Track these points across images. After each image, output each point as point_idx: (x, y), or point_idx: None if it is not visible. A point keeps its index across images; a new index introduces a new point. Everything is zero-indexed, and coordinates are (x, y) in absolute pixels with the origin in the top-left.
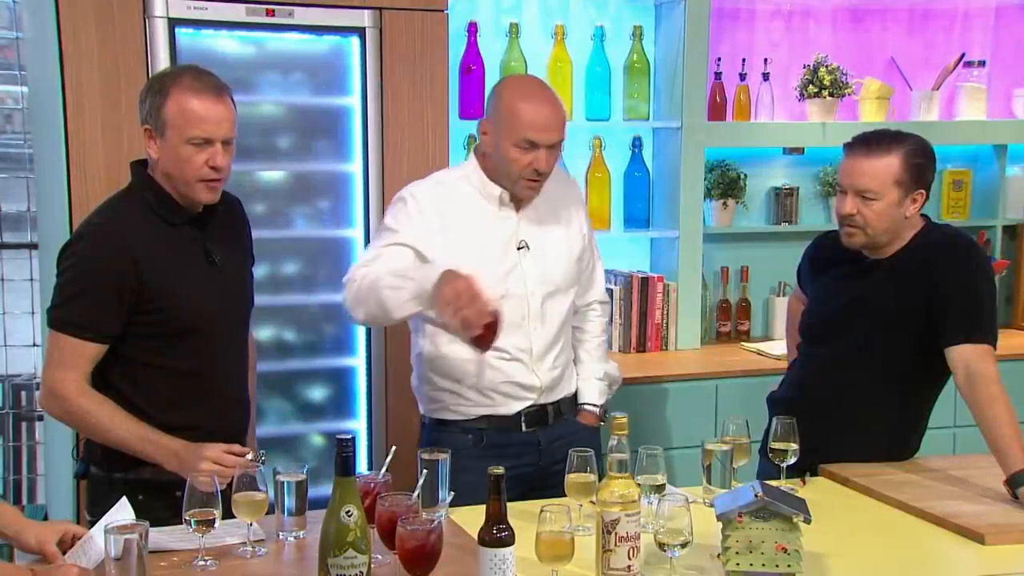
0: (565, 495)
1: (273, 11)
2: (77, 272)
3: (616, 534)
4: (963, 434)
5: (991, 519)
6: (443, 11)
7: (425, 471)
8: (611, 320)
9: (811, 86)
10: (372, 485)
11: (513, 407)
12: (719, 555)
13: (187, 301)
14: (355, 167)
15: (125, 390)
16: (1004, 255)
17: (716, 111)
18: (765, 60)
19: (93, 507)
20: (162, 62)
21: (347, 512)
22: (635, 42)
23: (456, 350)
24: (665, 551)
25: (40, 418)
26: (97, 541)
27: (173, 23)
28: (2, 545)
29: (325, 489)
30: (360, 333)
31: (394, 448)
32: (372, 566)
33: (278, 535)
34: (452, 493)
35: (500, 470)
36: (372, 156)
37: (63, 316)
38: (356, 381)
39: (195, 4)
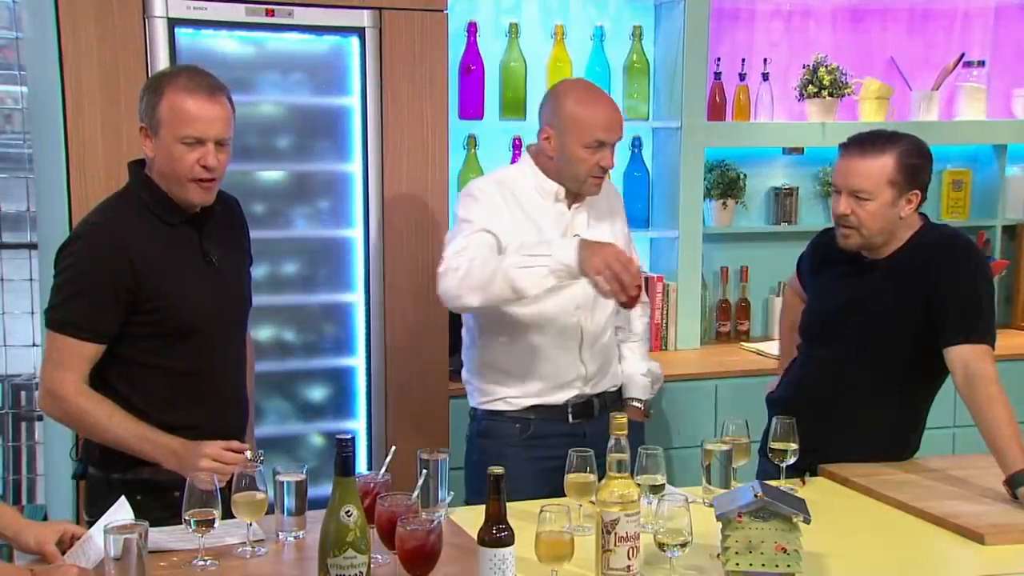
0: None
1: (273, 11)
2: (74, 272)
3: (616, 534)
4: (962, 434)
5: (991, 519)
6: (443, 11)
7: (425, 471)
8: None
9: (811, 86)
10: (372, 485)
11: (560, 396)
12: (719, 555)
13: (184, 301)
14: (355, 167)
15: (123, 390)
16: (1004, 255)
17: (716, 111)
18: (765, 60)
19: (91, 507)
20: (162, 62)
21: (347, 512)
22: (635, 42)
23: (508, 340)
24: (665, 551)
25: (40, 418)
26: (96, 541)
27: (173, 23)
28: (1, 546)
29: (325, 489)
30: (360, 333)
31: (394, 448)
32: (372, 566)
33: (278, 535)
34: (452, 493)
35: (499, 470)
36: (372, 156)
37: (60, 317)
38: (356, 381)
39: (195, 4)
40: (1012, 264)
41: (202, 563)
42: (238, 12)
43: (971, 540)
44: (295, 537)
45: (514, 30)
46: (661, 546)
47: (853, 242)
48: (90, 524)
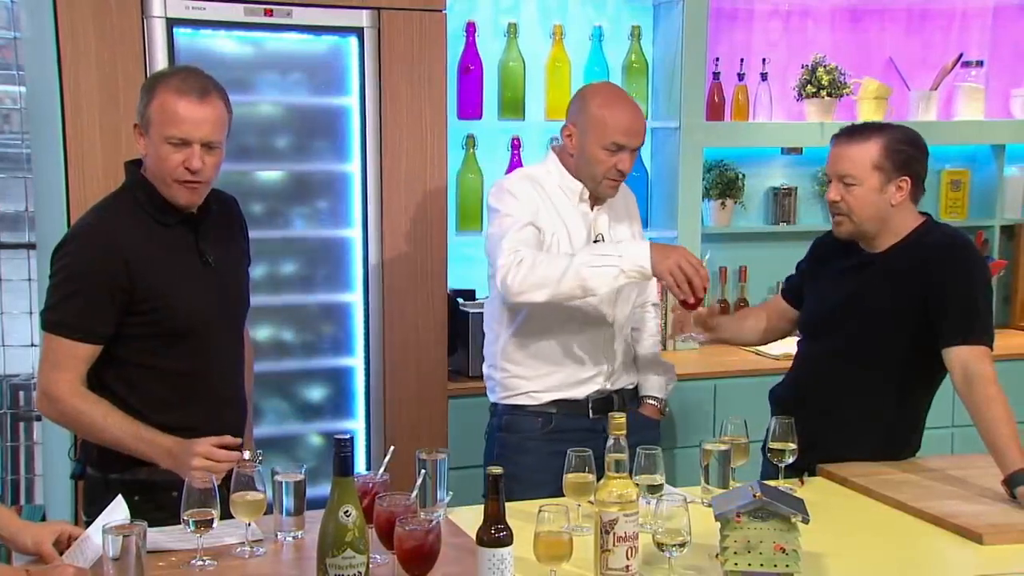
0: None
1: (271, 11)
2: (69, 273)
3: (614, 534)
4: (961, 434)
5: (989, 519)
6: (441, 11)
7: (423, 471)
8: None
9: (809, 86)
10: (370, 485)
11: (582, 391)
12: (717, 555)
13: (181, 302)
14: (353, 167)
15: (120, 391)
16: (1002, 255)
17: (714, 111)
18: (763, 60)
19: (90, 508)
20: (160, 62)
21: (345, 512)
22: (633, 42)
23: (536, 333)
24: (663, 551)
25: (38, 418)
26: (94, 540)
27: (171, 23)
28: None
29: (323, 489)
30: (359, 333)
31: (392, 448)
32: (370, 566)
33: (276, 535)
34: (451, 493)
35: (498, 470)
36: (370, 156)
37: (56, 318)
38: (354, 381)
39: (193, 4)
40: (1010, 264)
41: (200, 563)
42: (237, 12)
43: (969, 540)
44: (294, 537)
45: (513, 30)
46: (660, 546)
47: (845, 229)
48: (88, 524)
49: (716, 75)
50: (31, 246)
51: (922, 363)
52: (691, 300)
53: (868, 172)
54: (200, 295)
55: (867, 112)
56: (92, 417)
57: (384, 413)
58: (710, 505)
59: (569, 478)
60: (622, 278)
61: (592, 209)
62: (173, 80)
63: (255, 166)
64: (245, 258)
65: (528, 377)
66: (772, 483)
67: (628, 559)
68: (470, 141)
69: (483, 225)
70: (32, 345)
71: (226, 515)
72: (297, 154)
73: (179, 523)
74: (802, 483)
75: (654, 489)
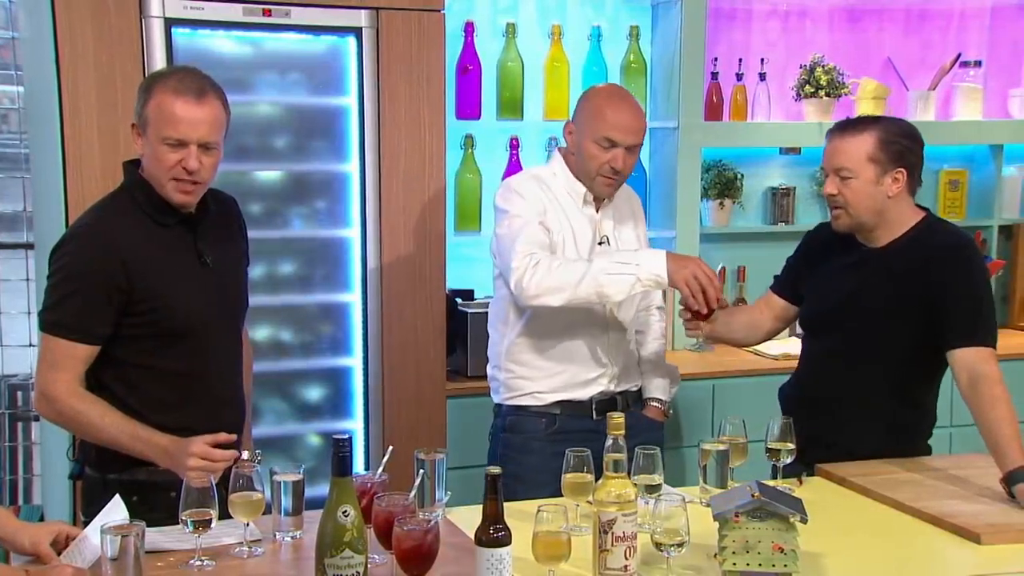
0: None
1: (270, 11)
2: (67, 274)
3: (613, 534)
4: (960, 434)
5: (987, 519)
6: (440, 11)
7: (422, 471)
8: None
9: (808, 86)
10: (369, 485)
11: (585, 392)
12: (716, 555)
13: (179, 302)
14: (352, 167)
15: (119, 392)
16: (1000, 255)
17: (713, 111)
18: (762, 60)
19: (88, 508)
20: (158, 62)
21: (344, 512)
22: (632, 42)
23: (540, 334)
24: (662, 551)
25: (36, 418)
26: (91, 540)
27: (169, 23)
28: None
29: (322, 489)
30: (357, 333)
31: (391, 448)
32: (369, 566)
33: (275, 535)
34: (449, 493)
35: (496, 470)
36: (369, 156)
37: (53, 318)
38: (353, 381)
39: (192, 4)
40: (1008, 264)
41: (199, 563)
42: (235, 12)
43: (968, 540)
44: (292, 537)
45: (511, 30)
46: (658, 546)
47: (843, 223)
48: (86, 525)
49: (714, 75)
50: (29, 246)
51: (923, 360)
52: (704, 311)
53: (863, 164)
54: (198, 295)
55: (865, 112)
56: (90, 417)
57: (383, 413)
58: (708, 505)
59: (568, 478)
60: (638, 286)
61: (597, 211)
62: (170, 80)
63: (253, 166)
64: (244, 258)
65: (532, 378)
66: (770, 483)
67: (626, 559)
68: (468, 141)
69: (481, 225)
70: (30, 345)
71: (224, 515)
72: (295, 154)
73: (177, 523)
74: (800, 483)
75: (652, 489)
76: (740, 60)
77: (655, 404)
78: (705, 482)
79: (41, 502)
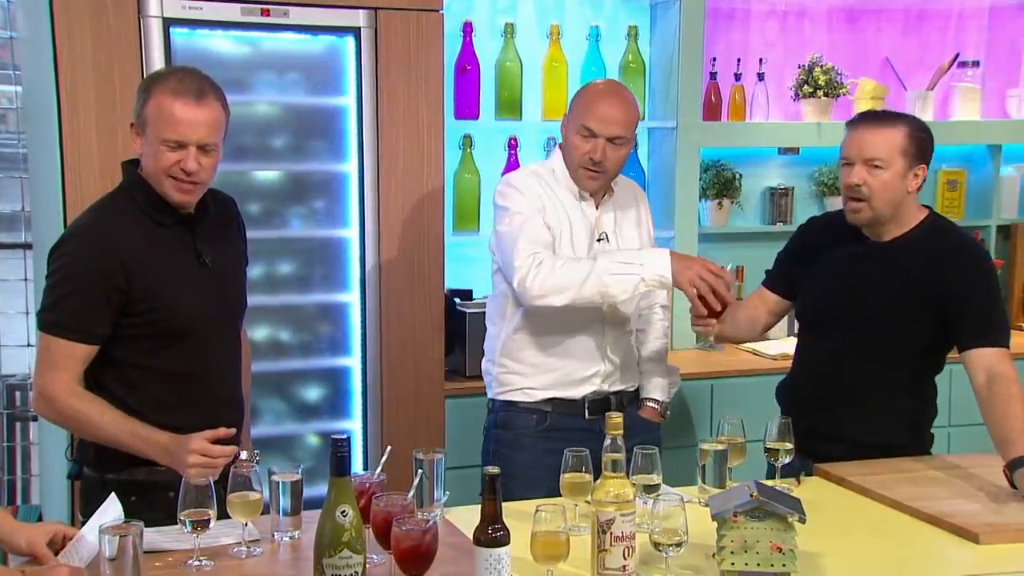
0: None
1: (268, 11)
2: (65, 273)
3: (611, 534)
4: (958, 434)
5: (986, 518)
6: (438, 11)
7: (420, 471)
8: None
9: (806, 86)
10: (367, 485)
11: (578, 392)
12: (714, 555)
13: (178, 302)
14: (350, 167)
15: (118, 392)
16: (998, 255)
17: (711, 111)
18: (760, 60)
19: (86, 508)
20: (157, 62)
21: (342, 512)
22: (630, 42)
23: (533, 331)
24: (660, 551)
25: (34, 419)
26: (88, 540)
27: (168, 23)
28: None
29: (320, 489)
30: (356, 333)
31: (389, 448)
32: (367, 566)
33: (273, 535)
34: (448, 493)
35: (495, 470)
36: (367, 156)
37: (52, 318)
38: (351, 381)
39: (190, 4)
40: (1006, 264)
41: (197, 563)
42: (233, 12)
43: (966, 539)
44: (291, 537)
45: (510, 30)
46: (657, 546)
47: (864, 216)
48: (84, 525)
49: (713, 75)
50: (27, 246)
51: (928, 355)
52: (717, 308)
53: (896, 156)
54: (197, 295)
55: None
56: (89, 415)
57: (381, 413)
58: (707, 505)
59: (566, 478)
60: (643, 286)
61: (597, 208)
62: (170, 81)
63: (252, 166)
64: (243, 258)
65: (524, 374)
66: (769, 483)
67: (625, 559)
68: (467, 141)
69: (480, 225)
70: (28, 345)
71: (223, 515)
72: (294, 154)
73: (176, 523)
74: (799, 483)
75: (651, 489)
76: (738, 60)
77: (652, 405)
78: (704, 482)
79: (39, 502)
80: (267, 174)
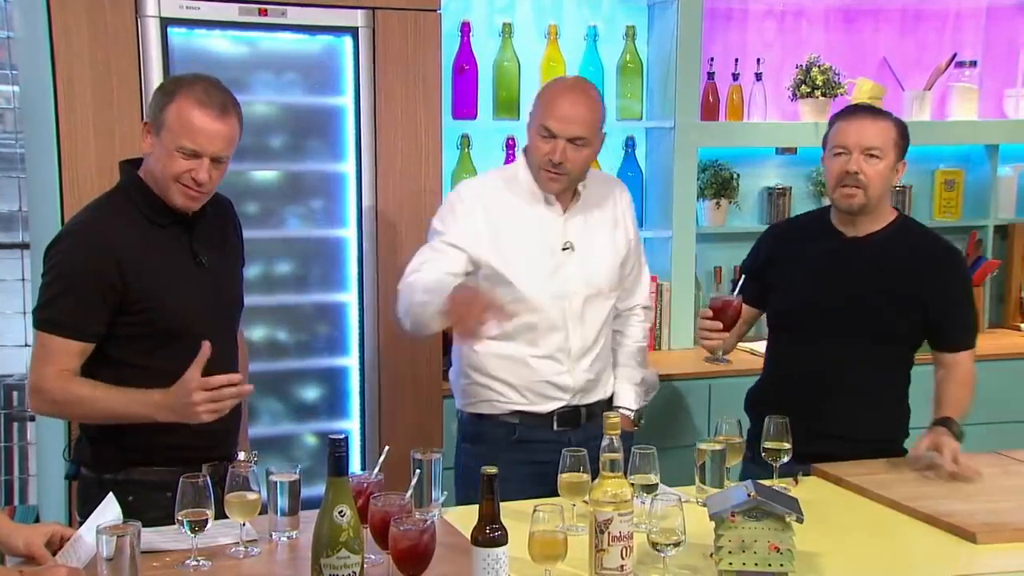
0: None
1: (266, 11)
2: (60, 272)
3: (609, 534)
4: None
5: (983, 518)
6: (436, 11)
7: (418, 471)
8: None
9: (804, 86)
10: (365, 485)
11: (546, 406)
12: (712, 554)
13: (174, 302)
14: (348, 167)
15: None
16: (995, 255)
17: (709, 111)
18: (758, 60)
19: (84, 508)
20: (154, 61)
21: (340, 512)
22: (628, 42)
23: (494, 348)
24: (658, 551)
25: (32, 418)
26: (86, 540)
27: (165, 22)
28: None
29: (318, 489)
30: (353, 333)
31: (387, 448)
32: (365, 566)
33: (271, 535)
34: (445, 493)
35: (493, 470)
36: (365, 156)
37: (47, 316)
38: (349, 381)
39: (188, 3)
40: (1004, 264)
41: (195, 563)
42: (231, 12)
43: (963, 539)
44: (288, 537)
45: (507, 30)
46: (654, 545)
47: (859, 202)
48: (82, 524)
49: (711, 75)
50: (25, 246)
51: (905, 347)
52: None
53: (890, 148)
54: (194, 296)
55: None
56: (81, 394)
57: (379, 413)
58: (705, 504)
59: (564, 478)
60: (439, 319)
61: (564, 212)
62: (196, 90)
63: (249, 166)
64: (239, 259)
65: (490, 387)
66: (766, 482)
67: (623, 559)
68: (465, 141)
69: None
70: (26, 345)
71: (220, 515)
72: (291, 154)
73: (173, 523)
74: (796, 483)
75: (649, 489)
76: (736, 60)
77: (624, 412)
78: (701, 482)
79: (37, 502)
80: (265, 174)
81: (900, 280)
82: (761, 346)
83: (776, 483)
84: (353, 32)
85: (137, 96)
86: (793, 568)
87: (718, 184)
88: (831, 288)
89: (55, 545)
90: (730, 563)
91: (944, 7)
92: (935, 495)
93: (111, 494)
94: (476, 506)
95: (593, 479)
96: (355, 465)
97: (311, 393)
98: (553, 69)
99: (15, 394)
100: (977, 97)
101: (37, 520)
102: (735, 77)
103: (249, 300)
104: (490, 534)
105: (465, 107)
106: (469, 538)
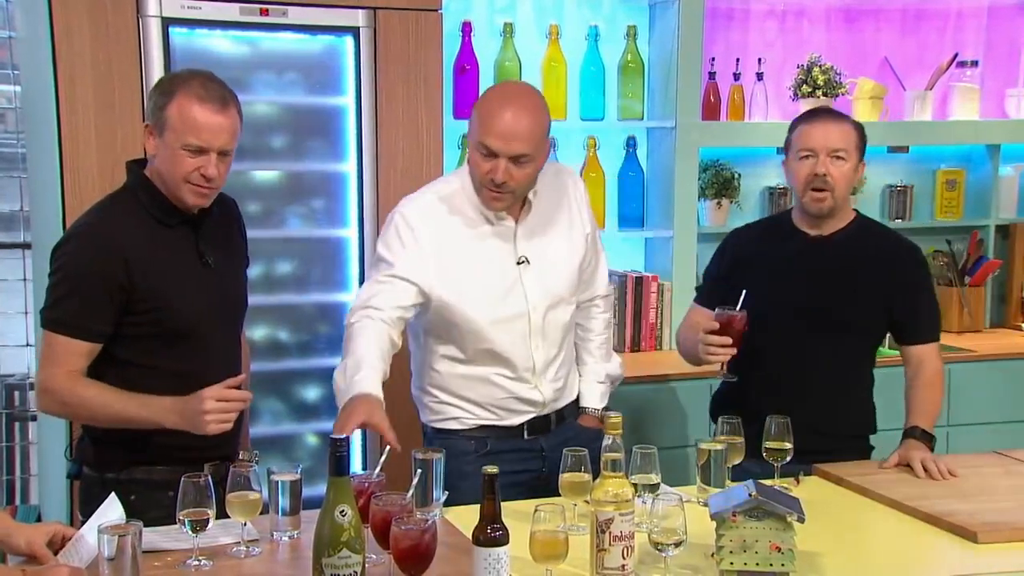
0: None
1: (267, 11)
2: (67, 272)
3: (610, 533)
4: (955, 433)
5: (984, 517)
6: (437, 11)
7: (419, 471)
8: None
9: (805, 86)
10: (366, 485)
11: (515, 420)
12: (713, 554)
13: (181, 302)
14: (349, 167)
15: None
16: (996, 255)
17: (710, 111)
18: (759, 60)
19: (86, 508)
20: (156, 61)
21: (341, 512)
22: (629, 42)
23: (458, 368)
24: (659, 550)
25: (34, 418)
26: (88, 540)
27: (167, 22)
28: None
29: (319, 489)
30: None
31: (388, 448)
32: (366, 566)
33: (272, 535)
34: (446, 492)
35: (494, 470)
36: (366, 156)
37: (54, 316)
38: None
39: (189, 3)
40: (1005, 264)
41: (196, 563)
42: (232, 11)
43: (964, 538)
44: (289, 537)
45: (509, 30)
46: (656, 545)
47: (828, 204)
48: (84, 524)
49: (712, 75)
50: (26, 246)
51: (872, 341)
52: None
53: (853, 149)
54: (200, 296)
55: (862, 112)
56: (90, 397)
57: None
58: (706, 504)
59: (565, 477)
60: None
61: (516, 224)
62: (193, 86)
63: (251, 166)
64: (244, 259)
65: (455, 404)
66: (767, 482)
67: (624, 558)
68: (466, 141)
69: None
70: (27, 345)
71: (222, 515)
72: (293, 154)
73: (175, 523)
74: (797, 482)
75: (650, 488)
76: (737, 60)
77: (590, 412)
78: (703, 481)
79: (38, 502)
80: (266, 174)
81: (865, 276)
82: None
83: (777, 483)
84: (354, 32)
85: (138, 96)
86: (794, 568)
87: (719, 184)
88: (797, 287)
89: (57, 545)
90: (731, 563)
91: (945, 7)
92: (936, 495)
93: (113, 494)
94: (477, 506)
95: (594, 479)
96: (356, 465)
97: (312, 393)
98: (554, 69)
99: (17, 394)
100: (978, 97)
101: (39, 520)
102: (736, 77)
103: (250, 300)
104: (491, 534)
105: (466, 107)
106: (470, 538)
